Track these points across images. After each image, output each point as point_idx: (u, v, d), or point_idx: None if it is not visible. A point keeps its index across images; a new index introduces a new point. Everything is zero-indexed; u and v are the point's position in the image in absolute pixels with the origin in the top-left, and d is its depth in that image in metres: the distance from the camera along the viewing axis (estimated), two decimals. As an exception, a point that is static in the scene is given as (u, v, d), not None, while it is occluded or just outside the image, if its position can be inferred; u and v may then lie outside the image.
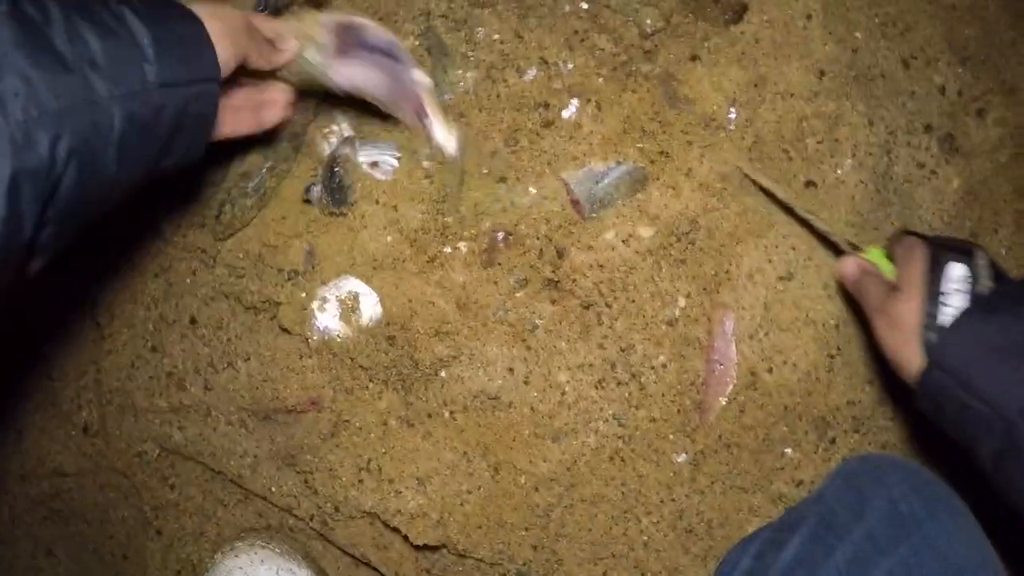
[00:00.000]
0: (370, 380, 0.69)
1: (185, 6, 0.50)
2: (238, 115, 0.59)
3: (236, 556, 0.77)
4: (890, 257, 0.59)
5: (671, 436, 0.66)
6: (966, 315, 0.49)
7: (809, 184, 0.68)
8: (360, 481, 0.70)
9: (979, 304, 0.49)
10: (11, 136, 0.37)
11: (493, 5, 0.67)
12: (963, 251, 0.52)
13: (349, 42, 0.62)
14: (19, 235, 0.39)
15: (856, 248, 0.62)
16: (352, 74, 0.62)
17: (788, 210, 0.66)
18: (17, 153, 0.37)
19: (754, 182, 0.66)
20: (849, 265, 0.60)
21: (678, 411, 0.66)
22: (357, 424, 0.70)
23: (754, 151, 0.67)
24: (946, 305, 0.50)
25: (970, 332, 0.48)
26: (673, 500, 0.67)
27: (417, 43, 0.69)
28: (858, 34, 0.70)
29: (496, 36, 0.67)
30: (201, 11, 0.50)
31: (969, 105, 0.74)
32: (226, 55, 0.51)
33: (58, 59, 0.40)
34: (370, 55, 0.62)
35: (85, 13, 0.42)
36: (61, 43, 0.40)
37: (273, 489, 0.75)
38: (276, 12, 0.74)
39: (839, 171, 0.68)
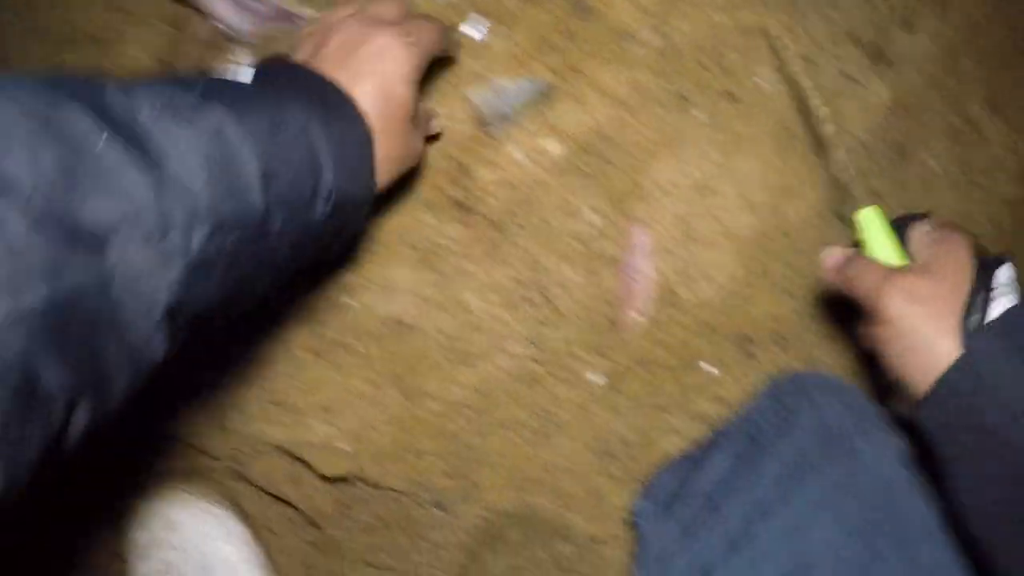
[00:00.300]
0: (274, 311, 0.67)
1: (354, 104, 0.43)
2: None
3: (153, 500, 0.75)
4: (895, 227, 0.52)
5: (586, 356, 0.64)
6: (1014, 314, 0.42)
7: (729, 97, 0.65)
8: (269, 415, 0.68)
9: None
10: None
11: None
12: (999, 258, 0.46)
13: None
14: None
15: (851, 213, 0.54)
16: None
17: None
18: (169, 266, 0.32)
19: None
20: (831, 254, 0.52)
21: (592, 330, 0.64)
22: (265, 357, 0.68)
23: (668, 63, 0.64)
24: (994, 302, 0.43)
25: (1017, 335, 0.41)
26: (590, 422, 0.65)
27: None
28: (779, -61, 0.66)
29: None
30: (373, 116, 0.44)
31: (899, 15, 0.71)
32: (384, 176, 0.48)
33: (247, 182, 0.35)
34: None
35: (275, 124, 0.37)
36: (251, 165, 0.35)
37: (185, 430, 0.72)
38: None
39: (759, 81, 0.65)
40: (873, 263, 0.48)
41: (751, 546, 0.51)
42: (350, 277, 0.65)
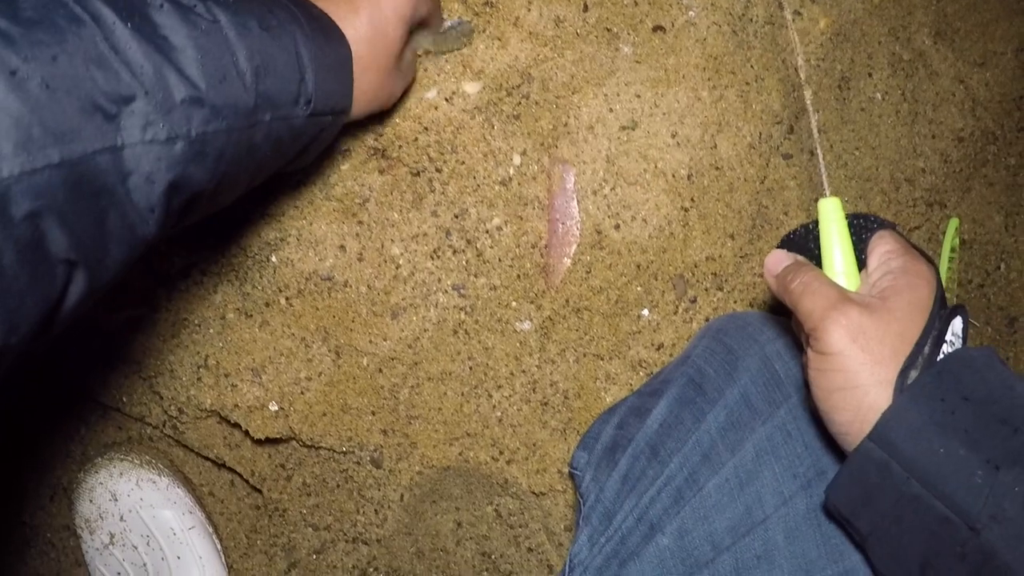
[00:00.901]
0: (202, 274, 0.65)
1: (340, 28, 0.47)
2: None
3: (96, 472, 0.74)
4: (854, 231, 0.47)
5: (515, 304, 0.62)
6: (933, 379, 0.38)
7: (657, 29, 0.62)
8: (199, 379, 0.66)
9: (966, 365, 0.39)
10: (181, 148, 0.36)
11: None
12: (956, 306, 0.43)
13: None
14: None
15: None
16: None
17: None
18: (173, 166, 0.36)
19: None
20: (776, 259, 0.47)
21: (520, 277, 0.62)
22: (195, 321, 0.66)
23: (590, -9, 0.61)
24: (942, 354, 0.40)
25: (937, 403, 0.37)
26: (524, 372, 0.63)
27: None
28: None
29: None
30: (350, 32, 0.47)
31: (837, -63, 0.68)
32: (361, 103, 0.50)
33: (241, 75, 0.38)
34: None
35: (265, 25, 0.40)
36: (244, 59, 0.39)
37: (124, 399, 0.71)
38: None
39: (690, 13, 0.63)
40: (821, 280, 0.42)
41: (698, 497, 0.49)
42: (273, 234, 0.63)
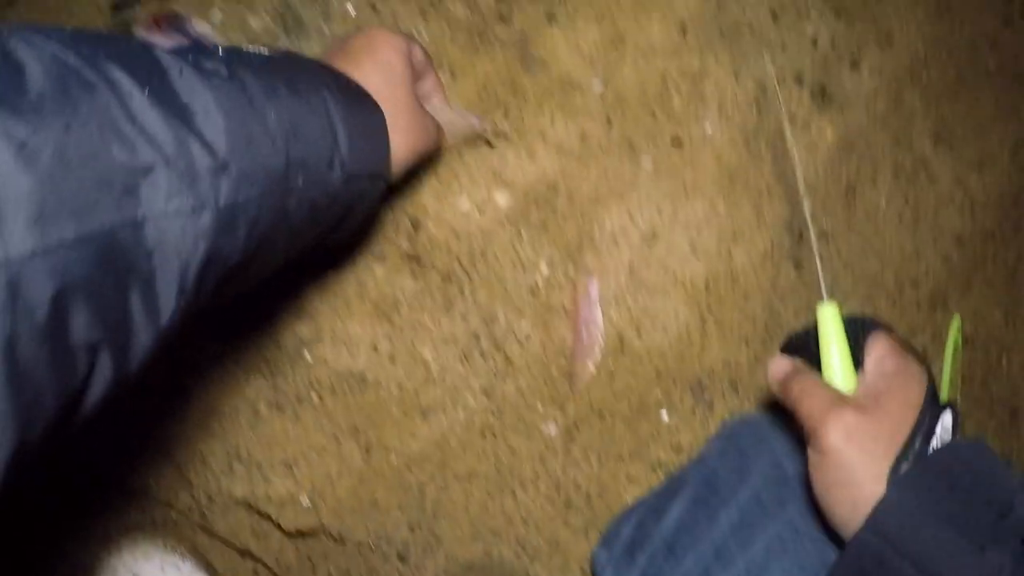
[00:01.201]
0: (234, 364, 0.67)
1: (367, 92, 0.47)
2: None
3: (119, 553, 0.75)
4: (851, 333, 0.49)
5: (541, 407, 0.65)
6: (921, 469, 0.41)
7: (676, 142, 0.66)
8: (231, 469, 0.68)
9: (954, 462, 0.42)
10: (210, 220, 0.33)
11: (340, -29, 0.64)
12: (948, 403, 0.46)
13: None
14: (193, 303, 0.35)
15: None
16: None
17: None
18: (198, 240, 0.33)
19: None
20: (779, 364, 0.50)
21: (546, 381, 0.64)
22: (227, 410, 0.68)
23: (615, 111, 0.65)
24: (931, 449, 0.42)
25: (926, 491, 0.40)
26: (548, 473, 0.65)
27: (271, 20, 0.66)
28: (723, -13, 0.68)
29: (350, 8, 0.64)
30: (381, 96, 0.48)
31: (843, 56, 0.73)
32: (401, 152, 0.49)
33: (270, 138, 0.37)
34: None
35: (293, 88, 0.39)
36: (272, 121, 0.37)
37: (152, 483, 0.72)
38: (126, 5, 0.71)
39: (706, 128, 0.67)
40: (819, 385, 0.46)
41: None
42: (307, 330, 0.65)
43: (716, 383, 0.67)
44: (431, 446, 0.65)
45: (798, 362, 0.49)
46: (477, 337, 0.64)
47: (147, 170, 0.30)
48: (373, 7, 0.65)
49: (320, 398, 0.66)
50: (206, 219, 0.32)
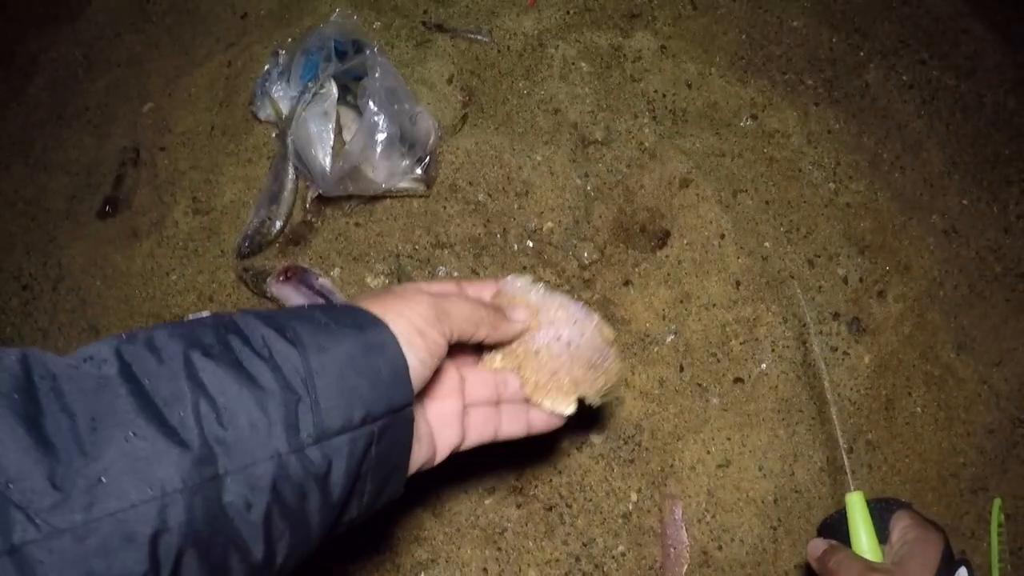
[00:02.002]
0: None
1: (354, 305, 0.41)
2: (476, 420, 0.49)
3: None
4: (876, 514, 0.57)
5: (636, 622, 0.72)
6: None
7: (737, 381, 0.77)
8: None
9: None
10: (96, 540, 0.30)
11: (452, 246, 0.78)
12: (962, 559, 0.54)
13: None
14: None
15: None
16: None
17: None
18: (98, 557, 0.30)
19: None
20: (815, 546, 0.57)
21: (640, 598, 0.72)
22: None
23: (685, 358, 0.76)
24: None
25: None
26: None
27: (386, 279, 0.79)
28: (767, 244, 0.81)
29: (455, 272, 0.77)
30: (379, 305, 0.41)
31: (871, 288, 0.85)
32: (422, 361, 0.41)
33: (167, 428, 0.32)
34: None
35: (211, 351, 0.35)
36: (169, 411, 0.33)
37: None
38: (259, 250, 0.85)
39: (762, 366, 0.78)
40: (852, 557, 0.54)
41: None
42: (424, 555, 0.74)
43: (789, 591, 0.75)
44: (538, 660, 0.72)
45: (833, 542, 0.57)
46: (578, 559, 0.73)
47: (228, 439, 0.34)
48: (474, 271, 0.78)
49: (436, 614, 0.74)
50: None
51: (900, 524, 0.56)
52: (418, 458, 0.44)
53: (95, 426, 0.31)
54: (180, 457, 0.32)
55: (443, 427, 0.47)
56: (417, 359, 0.40)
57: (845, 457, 0.61)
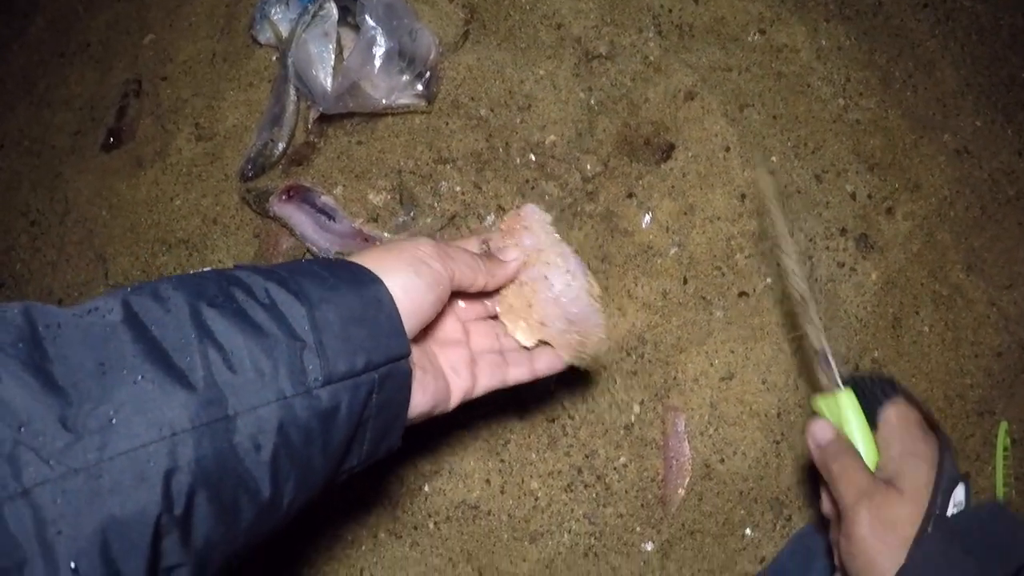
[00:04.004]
0: (360, 497, 0.76)
1: (353, 262, 0.41)
2: (469, 371, 0.49)
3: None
4: (865, 407, 0.52)
5: (638, 529, 0.73)
6: (943, 535, 0.45)
7: (742, 294, 0.77)
8: (358, 592, 0.76)
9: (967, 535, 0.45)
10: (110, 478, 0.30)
11: (454, 161, 0.77)
12: (961, 475, 0.49)
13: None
14: None
15: (833, 386, 0.54)
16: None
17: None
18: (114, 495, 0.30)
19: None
20: (823, 431, 0.52)
21: (642, 506, 0.73)
22: (349, 538, 0.77)
23: (689, 270, 0.76)
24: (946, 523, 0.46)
25: (943, 558, 0.44)
26: (646, 589, 0.73)
27: (389, 196, 0.79)
28: (774, 158, 0.80)
29: (458, 188, 0.77)
30: (373, 259, 0.42)
31: (879, 205, 0.84)
32: (429, 286, 0.42)
33: (175, 371, 0.33)
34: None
35: (216, 301, 0.35)
36: (177, 356, 0.33)
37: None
38: (262, 172, 0.85)
39: (768, 280, 0.77)
40: (855, 469, 0.49)
41: None
42: (427, 467, 0.75)
43: (793, 500, 0.75)
44: (539, 568, 0.73)
45: (840, 433, 0.52)
46: (580, 470, 0.73)
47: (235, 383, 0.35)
48: (477, 186, 0.78)
49: (436, 526, 0.75)
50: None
51: (888, 424, 0.51)
52: (434, 398, 0.46)
53: (103, 371, 0.32)
54: (188, 399, 0.32)
55: (454, 374, 0.49)
56: (424, 284, 0.42)
57: (829, 353, 0.55)
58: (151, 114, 0.96)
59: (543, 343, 0.53)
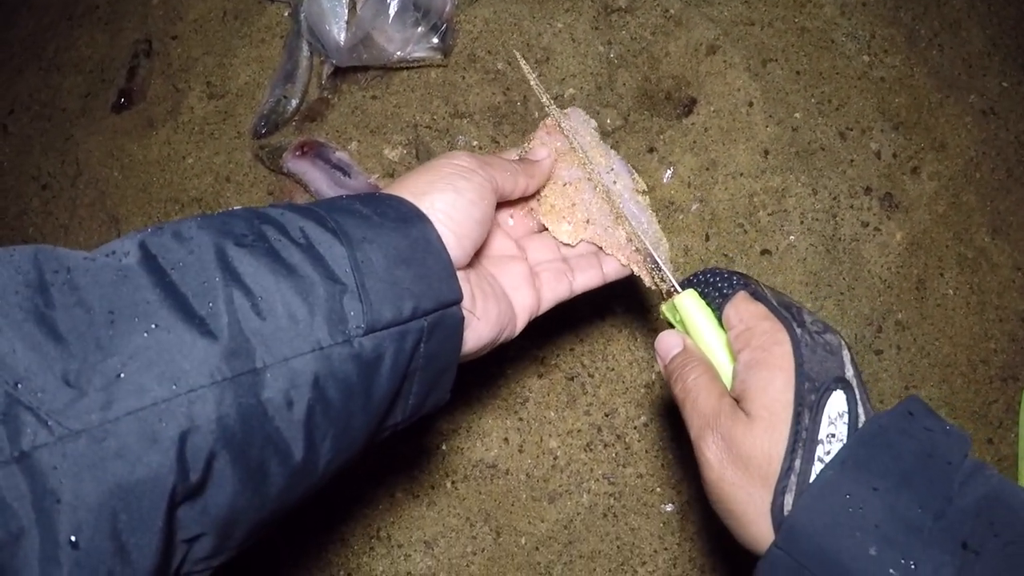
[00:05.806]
0: (376, 456, 0.76)
1: (394, 196, 0.38)
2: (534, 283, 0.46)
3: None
4: (712, 305, 0.44)
5: (658, 490, 0.72)
6: (836, 472, 0.34)
7: (764, 252, 0.75)
8: (371, 548, 0.75)
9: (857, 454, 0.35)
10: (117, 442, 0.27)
11: (471, 115, 0.76)
12: (831, 351, 0.37)
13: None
14: (166, 566, 0.30)
15: (671, 288, 0.47)
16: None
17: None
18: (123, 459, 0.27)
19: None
20: (667, 343, 0.43)
21: (663, 466, 0.72)
22: (366, 497, 0.76)
23: (711, 227, 0.74)
24: (821, 461, 0.35)
25: (840, 500, 0.33)
26: (666, 549, 0.72)
27: (405, 151, 0.77)
28: (797, 114, 0.78)
29: (475, 142, 0.75)
30: (410, 185, 0.38)
31: (904, 164, 0.82)
32: (473, 202, 0.39)
33: (194, 319, 0.29)
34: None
35: (244, 240, 0.32)
36: (198, 302, 0.30)
37: (293, 563, 0.80)
38: (275, 129, 0.84)
39: (791, 238, 0.76)
40: (702, 389, 0.40)
41: None
42: (444, 425, 0.74)
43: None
44: (558, 528, 0.72)
45: (689, 342, 0.43)
46: (599, 429, 0.72)
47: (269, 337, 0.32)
48: (494, 140, 0.76)
49: (454, 485, 0.74)
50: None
51: (731, 325, 0.41)
52: (499, 324, 0.42)
53: (113, 319, 0.28)
54: (208, 349, 0.29)
55: (515, 291, 0.45)
56: (467, 201, 0.39)
57: (648, 246, 0.49)
58: (162, 74, 0.95)
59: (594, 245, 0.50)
